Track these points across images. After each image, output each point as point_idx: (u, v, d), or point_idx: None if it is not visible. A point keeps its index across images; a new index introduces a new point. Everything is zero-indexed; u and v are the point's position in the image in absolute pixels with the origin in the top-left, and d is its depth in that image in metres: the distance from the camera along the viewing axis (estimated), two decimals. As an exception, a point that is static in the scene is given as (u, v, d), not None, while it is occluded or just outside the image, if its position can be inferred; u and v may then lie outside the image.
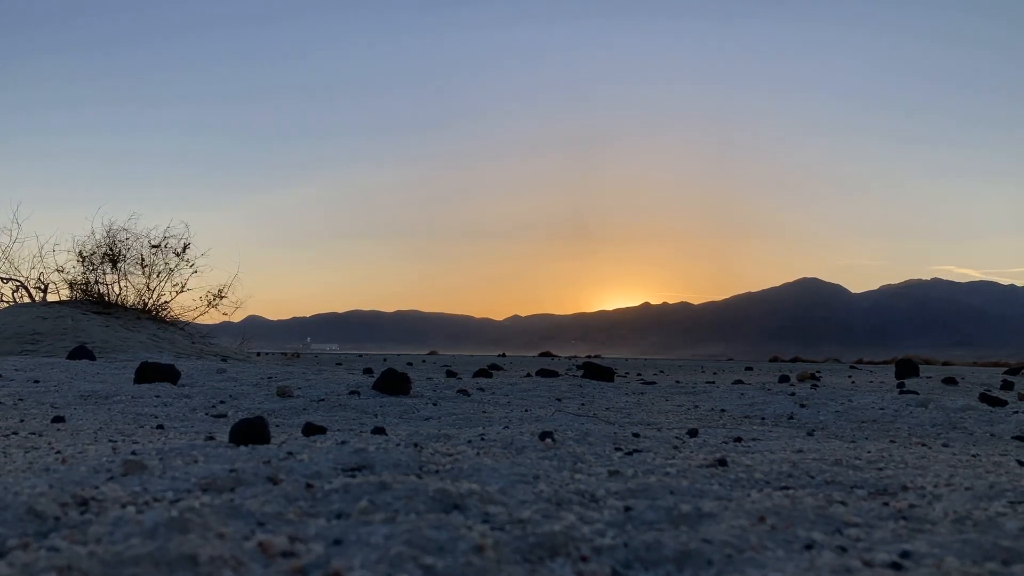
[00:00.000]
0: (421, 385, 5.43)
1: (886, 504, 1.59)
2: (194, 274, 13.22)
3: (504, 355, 23.76)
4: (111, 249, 12.57)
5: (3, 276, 13.06)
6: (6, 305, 12.72)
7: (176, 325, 13.05)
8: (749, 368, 14.00)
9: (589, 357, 22.11)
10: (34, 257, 15.09)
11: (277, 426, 3.32)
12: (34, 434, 2.79)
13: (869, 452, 2.45)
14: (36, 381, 5.10)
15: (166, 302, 13.12)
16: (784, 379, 8.07)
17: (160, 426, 3.21)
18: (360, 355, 21.22)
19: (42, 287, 13.12)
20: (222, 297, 13.50)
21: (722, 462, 2.02)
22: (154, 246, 12.94)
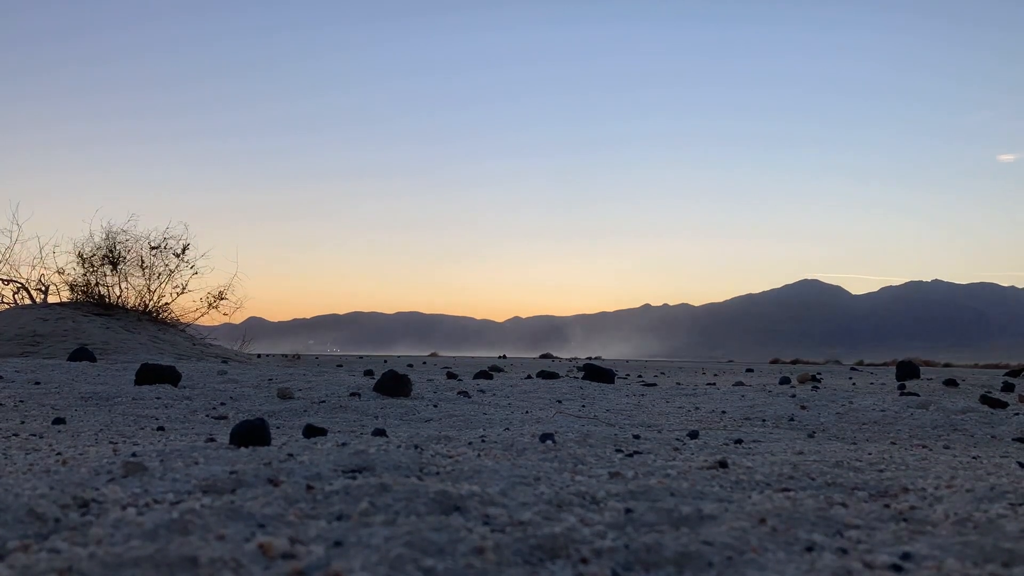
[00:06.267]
0: (422, 387, 5.42)
1: (887, 506, 1.59)
2: (194, 275, 13.23)
3: (505, 357, 23.73)
4: (111, 251, 12.58)
5: (4, 278, 13.08)
6: (7, 307, 12.72)
7: (177, 327, 13.04)
8: (750, 370, 13.99)
9: (589, 359, 22.10)
10: (35, 259, 15.07)
11: (278, 428, 3.32)
12: (35, 436, 2.80)
13: (870, 454, 2.45)
14: (37, 383, 5.10)
15: (166, 304, 13.12)
16: (785, 381, 8.06)
17: (161, 428, 3.21)
18: (361, 357, 21.21)
19: (43, 289, 13.13)
20: (223, 299, 13.50)
21: (723, 464, 2.02)
22: (153, 247, 12.94)
